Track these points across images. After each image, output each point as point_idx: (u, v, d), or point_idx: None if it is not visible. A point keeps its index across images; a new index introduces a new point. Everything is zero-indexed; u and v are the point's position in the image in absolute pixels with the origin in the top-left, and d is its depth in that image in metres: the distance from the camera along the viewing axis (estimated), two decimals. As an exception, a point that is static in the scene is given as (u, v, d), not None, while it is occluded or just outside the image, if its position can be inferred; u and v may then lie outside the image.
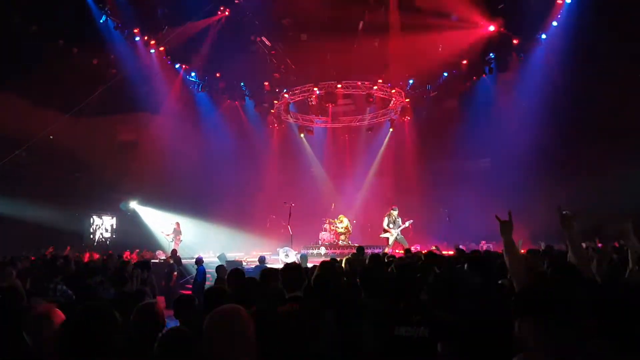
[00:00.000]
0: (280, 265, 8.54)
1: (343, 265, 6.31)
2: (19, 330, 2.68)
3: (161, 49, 16.26)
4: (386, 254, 9.88)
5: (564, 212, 3.52)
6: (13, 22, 15.36)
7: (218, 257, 13.64)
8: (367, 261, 6.35)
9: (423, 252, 8.15)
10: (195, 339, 2.30)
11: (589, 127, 16.84)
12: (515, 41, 15.89)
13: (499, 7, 14.86)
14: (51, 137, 18.57)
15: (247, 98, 19.23)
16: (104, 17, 15.08)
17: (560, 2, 14.95)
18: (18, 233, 17.54)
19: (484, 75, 16.95)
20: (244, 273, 4.61)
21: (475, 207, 17.13)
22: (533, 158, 17.64)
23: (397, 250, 14.42)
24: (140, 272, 6.85)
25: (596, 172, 15.05)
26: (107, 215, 22.18)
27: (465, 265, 3.92)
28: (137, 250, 16.50)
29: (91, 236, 21.70)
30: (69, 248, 16.11)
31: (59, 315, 2.60)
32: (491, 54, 16.65)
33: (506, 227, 3.22)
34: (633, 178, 13.67)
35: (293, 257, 12.97)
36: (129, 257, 13.90)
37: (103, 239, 22.02)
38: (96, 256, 14.32)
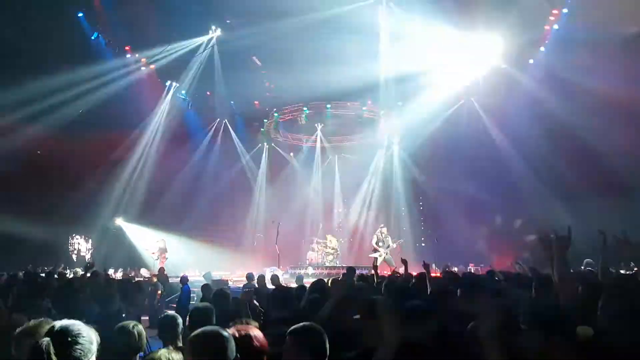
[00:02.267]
0: (268, 286, 8.45)
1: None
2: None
3: (152, 67, 16.32)
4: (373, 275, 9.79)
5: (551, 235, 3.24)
6: (4, 37, 15.31)
7: (204, 276, 13.43)
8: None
9: (413, 274, 8.11)
10: None
11: (573, 153, 17.11)
12: (503, 65, 16.24)
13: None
14: (39, 152, 18.33)
15: (236, 116, 19.28)
16: (95, 34, 15.14)
17: (548, 27, 15.31)
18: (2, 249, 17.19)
19: (471, 99, 17.21)
20: (229, 295, 4.55)
21: (463, 230, 17.23)
22: (520, 183, 17.83)
23: (384, 272, 14.32)
24: (125, 290, 6.75)
25: (576, 200, 15.24)
26: (89, 233, 21.69)
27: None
28: (122, 269, 16.22)
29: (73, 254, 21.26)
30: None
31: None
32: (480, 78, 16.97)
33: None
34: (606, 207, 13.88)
35: (280, 276, 12.79)
36: (113, 275, 13.64)
37: (88, 257, 21.59)
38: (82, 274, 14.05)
